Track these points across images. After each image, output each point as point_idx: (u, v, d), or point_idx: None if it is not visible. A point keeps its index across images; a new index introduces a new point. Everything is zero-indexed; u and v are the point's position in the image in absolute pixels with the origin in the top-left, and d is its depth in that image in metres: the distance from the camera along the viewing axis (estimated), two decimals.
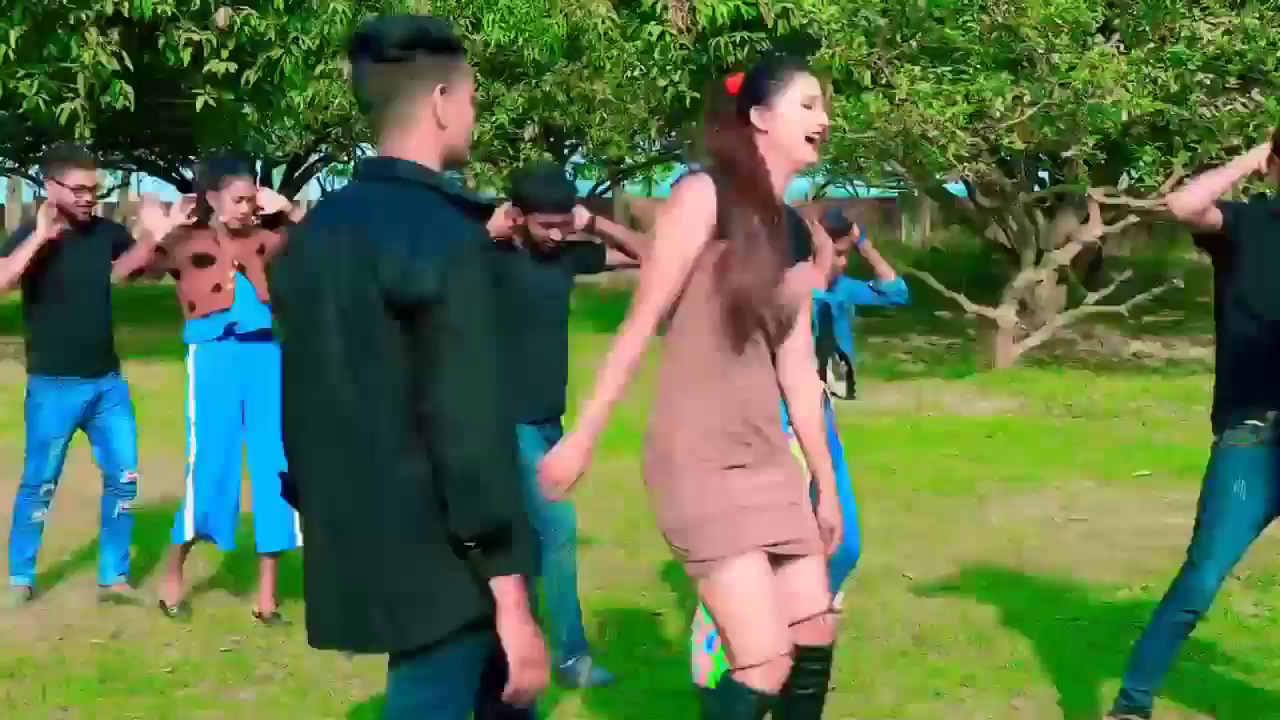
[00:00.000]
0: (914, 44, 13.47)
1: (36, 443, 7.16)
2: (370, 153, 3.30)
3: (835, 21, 13.31)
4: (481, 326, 2.92)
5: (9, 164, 25.08)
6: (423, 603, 3.00)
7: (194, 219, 6.81)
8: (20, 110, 14.87)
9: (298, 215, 6.99)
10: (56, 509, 7.43)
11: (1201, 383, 14.70)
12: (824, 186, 34.05)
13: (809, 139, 3.80)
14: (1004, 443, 11.83)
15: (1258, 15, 13.60)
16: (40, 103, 14.50)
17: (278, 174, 30.61)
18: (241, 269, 6.83)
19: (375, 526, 3.00)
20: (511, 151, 28.80)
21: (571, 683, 5.80)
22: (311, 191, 35.76)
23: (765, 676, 3.66)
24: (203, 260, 6.78)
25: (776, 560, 3.74)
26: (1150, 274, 18.81)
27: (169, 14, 15.03)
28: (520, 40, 25.26)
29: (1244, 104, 13.52)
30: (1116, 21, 14.28)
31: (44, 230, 6.95)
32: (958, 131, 12.95)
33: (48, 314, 7.08)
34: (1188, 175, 15.35)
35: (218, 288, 6.79)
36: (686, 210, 3.68)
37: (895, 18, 13.12)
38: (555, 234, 5.88)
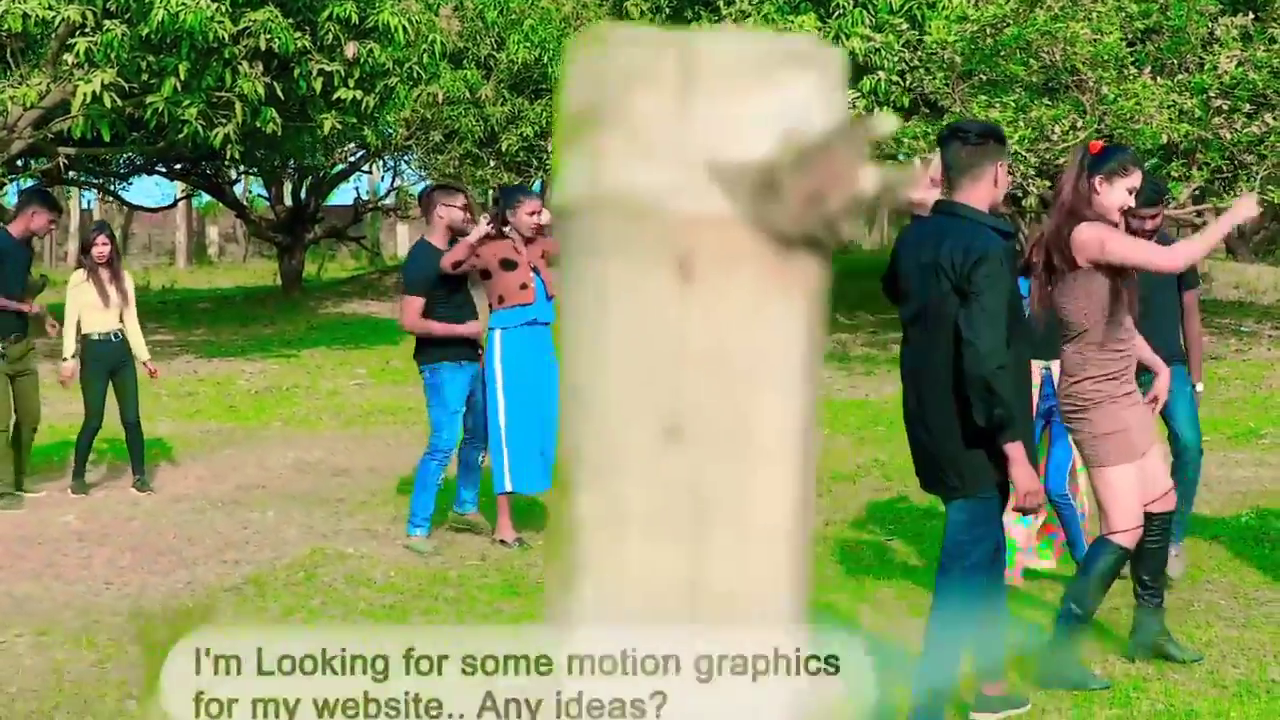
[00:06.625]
0: (982, 77, 15.60)
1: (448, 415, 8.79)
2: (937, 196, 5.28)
3: (913, 58, 15.44)
4: (997, 296, 4.94)
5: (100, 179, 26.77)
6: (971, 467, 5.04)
7: (495, 231, 8.78)
8: (180, 134, 16.69)
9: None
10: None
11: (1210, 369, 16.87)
12: None
13: (1121, 211, 5.82)
14: None
15: (1264, 48, 15.74)
16: (199, 127, 16.36)
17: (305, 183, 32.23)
18: (536, 270, 8.82)
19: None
20: (535, 162, 30.81)
21: None
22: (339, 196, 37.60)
23: (1129, 538, 5.69)
24: (508, 264, 8.76)
25: None
26: None
27: (304, 48, 16.92)
28: (545, 58, 27.26)
29: (1258, 127, 15.65)
30: (1144, 52, 16.42)
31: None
32: (1023, 153, 15.06)
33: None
34: (1204, 187, 17.60)
35: (524, 286, 8.76)
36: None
37: (968, 54, 15.22)
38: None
